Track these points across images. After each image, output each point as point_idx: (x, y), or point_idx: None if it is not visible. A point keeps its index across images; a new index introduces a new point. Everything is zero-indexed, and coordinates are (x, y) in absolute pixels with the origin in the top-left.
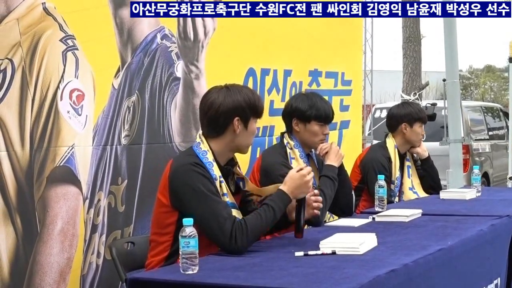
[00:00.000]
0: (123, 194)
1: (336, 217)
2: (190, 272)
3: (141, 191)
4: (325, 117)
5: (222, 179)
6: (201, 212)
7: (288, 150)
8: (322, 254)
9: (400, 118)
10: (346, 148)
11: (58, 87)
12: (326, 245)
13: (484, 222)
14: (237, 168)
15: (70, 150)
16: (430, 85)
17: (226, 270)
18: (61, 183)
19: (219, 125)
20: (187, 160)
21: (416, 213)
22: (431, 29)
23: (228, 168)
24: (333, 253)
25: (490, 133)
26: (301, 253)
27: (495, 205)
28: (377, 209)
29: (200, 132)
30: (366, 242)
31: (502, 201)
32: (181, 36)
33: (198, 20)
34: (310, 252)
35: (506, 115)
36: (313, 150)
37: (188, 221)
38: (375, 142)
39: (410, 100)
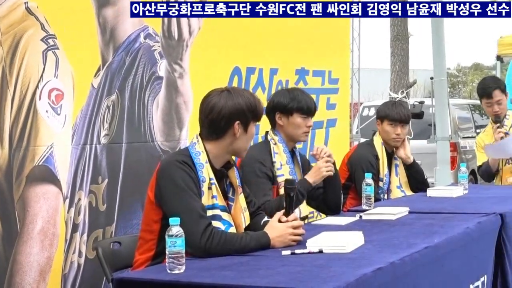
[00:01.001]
0: (104, 193)
1: (323, 216)
2: (177, 271)
3: (123, 190)
4: (307, 109)
5: (214, 181)
6: (178, 206)
7: (272, 145)
8: (309, 252)
9: (376, 114)
10: (333, 146)
11: (37, 86)
12: (313, 244)
13: (471, 220)
14: (234, 173)
15: (49, 150)
16: (418, 83)
17: (213, 269)
18: (41, 182)
19: (219, 128)
20: (176, 158)
21: (403, 211)
22: (419, 27)
23: (223, 171)
24: (320, 251)
25: (478, 130)
26: (288, 252)
27: (482, 202)
28: (364, 207)
29: (198, 132)
30: (353, 240)
31: (489, 198)
32: (165, 35)
33: (183, 19)
34: (297, 251)
35: None
36: (297, 147)
37: (174, 220)
38: (362, 140)
39: (398, 98)
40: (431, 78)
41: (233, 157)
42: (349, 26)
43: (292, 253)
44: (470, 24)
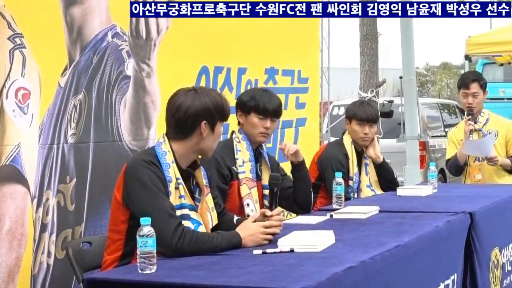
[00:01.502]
0: (72, 193)
1: (294, 215)
2: (148, 271)
3: (91, 189)
4: (263, 110)
5: (181, 181)
6: (147, 206)
7: (235, 143)
8: (280, 252)
9: (345, 113)
10: (303, 145)
11: (4, 85)
12: (284, 243)
13: (440, 219)
14: (201, 173)
15: (16, 149)
16: (388, 82)
17: (184, 269)
18: (8, 182)
19: (186, 128)
20: (142, 157)
21: (373, 210)
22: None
23: (189, 171)
24: (291, 251)
25: (447, 129)
26: (259, 251)
27: (451, 201)
28: (334, 206)
29: (164, 132)
30: (323, 239)
31: (458, 197)
32: (133, 34)
33: (151, 19)
34: (268, 250)
35: (462, 111)
36: (265, 149)
37: (145, 220)
38: (332, 139)
39: (367, 98)
40: (400, 77)
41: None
42: (318, 25)
43: (264, 253)
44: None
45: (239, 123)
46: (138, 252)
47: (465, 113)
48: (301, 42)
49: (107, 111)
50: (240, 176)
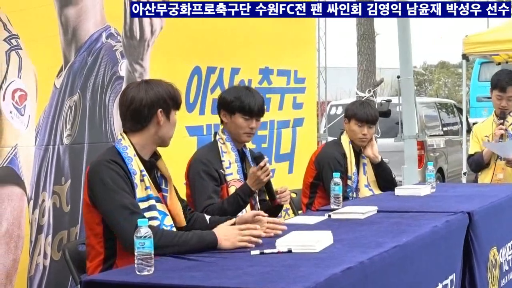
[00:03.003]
0: (68, 194)
1: (292, 215)
2: (146, 273)
3: None
4: (249, 110)
5: (145, 172)
6: (108, 205)
7: (220, 145)
8: (278, 252)
9: (344, 113)
10: (300, 145)
11: (0, 87)
12: (282, 244)
13: (438, 219)
14: (163, 164)
15: (13, 151)
16: (385, 82)
17: (181, 270)
18: (5, 184)
19: (142, 118)
20: (103, 157)
21: (371, 210)
22: (385, 26)
23: (152, 161)
24: (289, 251)
25: (445, 129)
26: (257, 252)
27: (449, 201)
28: (332, 206)
29: (121, 130)
30: (322, 240)
31: (456, 197)
32: (127, 35)
33: (145, 19)
34: (266, 251)
35: (460, 111)
36: (248, 149)
37: (143, 221)
38: (330, 139)
39: (365, 97)
40: (398, 77)
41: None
42: (315, 25)
43: (261, 253)
44: (437, 23)
45: (222, 122)
46: (136, 254)
47: (493, 111)
48: (297, 42)
49: (100, 112)
50: (228, 178)
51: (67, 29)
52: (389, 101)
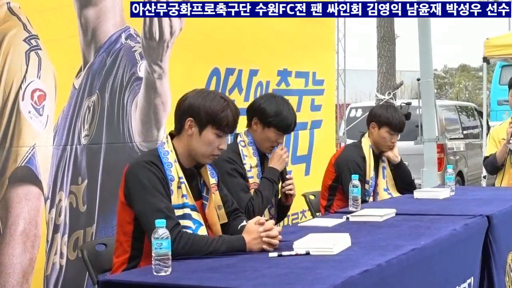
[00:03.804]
0: (84, 194)
1: (309, 217)
2: (163, 273)
3: (102, 191)
4: (286, 128)
5: (183, 180)
6: (144, 206)
7: (241, 148)
8: (296, 254)
9: (372, 117)
10: (318, 147)
11: (20, 87)
12: (300, 246)
13: (457, 222)
14: (207, 171)
15: (31, 150)
16: (406, 84)
17: (199, 271)
18: (23, 183)
19: (177, 122)
20: (144, 158)
21: (390, 212)
22: (406, 28)
23: (192, 170)
24: (307, 253)
25: (465, 132)
26: (275, 254)
27: (468, 204)
28: (351, 208)
29: (163, 132)
30: (339, 242)
31: (475, 200)
32: (146, 36)
33: (165, 20)
34: (284, 253)
35: (481, 114)
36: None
37: (160, 222)
38: (349, 141)
39: (385, 100)
40: (418, 80)
41: None
42: (334, 27)
43: (279, 255)
44: (458, 26)
45: (249, 125)
46: (153, 254)
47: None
48: (316, 44)
49: (119, 113)
50: (249, 181)
51: (86, 30)
52: (409, 103)
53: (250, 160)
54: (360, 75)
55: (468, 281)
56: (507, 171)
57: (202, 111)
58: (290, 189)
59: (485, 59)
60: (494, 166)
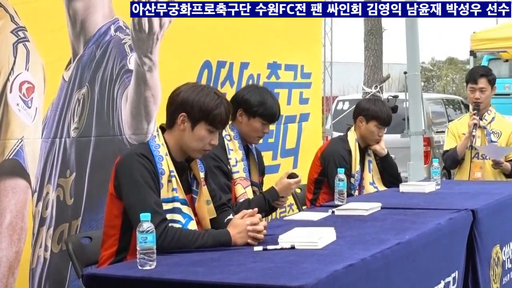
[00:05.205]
0: (72, 187)
1: (296, 210)
2: (148, 267)
3: (90, 184)
4: (271, 117)
5: (174, 173)
6: (132, 200)
7: (227, 142)
8: (281, 248)
9: (359, 110)
10: (306, 140)
11: (8, 79)
12: (285, 240)
13: (442, 216)
14: (197, 165)
15: (19, 143)
16: (393, 77)
17: (184, 265)
18: (10, 176)
19: (170, 116)
20: (134, 150)
21: (375, 206)
22: (393, 21)
23: (183, 163)
24: (292, 247)
25: None
26: (260, 248)
27: (454, 198)
28: (337, 202)
29: (153, 125)
30: (324, 236)
31: (461, 194)
32: (136, 28)
33: None
34: (269, 247)
35: (467, 107)
36: (253, 144)
37: (145, 216)
38: (336, 134)
39: (371, 93)
40: (405, 73)
41: None
42: (321, 20)
43: (264, 249)
44: (444, 19)
45: (234, 118)
46: (138, 248)
47: (471, 107)
48: (304, 37)
49: (108, 105)
50: (234, 176)
51: (75, 22)
52: (396, 97)
53: (235, 154)
54: (347, 68)
55: (453, 275)
56: (467, 165)
57: (195, 107)
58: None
59: (472, 53)
60: (454, 160)
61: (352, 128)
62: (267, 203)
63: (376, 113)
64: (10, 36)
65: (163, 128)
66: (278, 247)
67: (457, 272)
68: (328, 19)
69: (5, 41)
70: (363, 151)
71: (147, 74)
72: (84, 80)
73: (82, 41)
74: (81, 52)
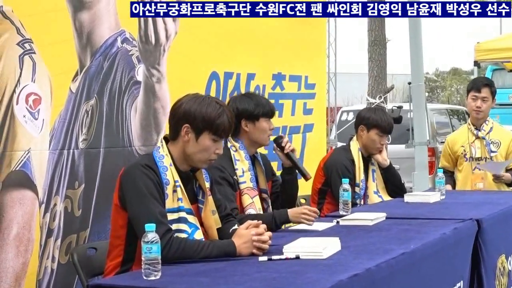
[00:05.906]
0: (80, 198)
1: None
2: (153, 278)
3: (99, 195)
4: (271, 112)
5: (179, 183)
6: (137, 211)
7: (233, 153)
8: (286, 258)
9: (360, 120)
10: (310, 151)
11: (14, 91)
12: (290, 250)
13: (447, 226)
14: (203, 175)
15: (26, 155)
16: (397, 88)
17: (189, 275)
18: (17, 187)
19: (173, 128)
20: (139, 161)
21: (380, 216)
22: (397, 31)
23: (188, 173)
24: (297, 257)
25: None
26: (264, 258)
27: (458, 208)
28: (341, 212)
29: (162, 136)
30: (329, 246)
31: (466, 204)
32: (142, 39)
33: (160, 23)
34: (274, 257)
35: None
36: (258, 152)
37: (150, 226)
38: (340, 145)
39: (375, 103)
40: (409, 83)
41: None
42: (325, 30)
43: (269, 259)
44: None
45: (237, 132)
46: (142, 259)
47: (468, 119)
48: (308, 47)
49: (118, 117)
50: (242, 186)
51: (81, 34)
52: (400, 107)
53: (242, 164)
54: (351, 78)
55: (458, 285)
56: (468, 178)
57: (198, 118)
58: (289, 146)
59: (476, 63)
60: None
61: (354, 137)
62: (274, 223)
63: (376, 121)
64: (16, 48)
65: (166, 139)
66: (283, 257)
67: (462, 282)
68: (332, 30)
69: (11, 53)
70: (367, 160)
71: (155, 85)
72: (92, 92)
73: (89, 53)
74: (88, 64)
